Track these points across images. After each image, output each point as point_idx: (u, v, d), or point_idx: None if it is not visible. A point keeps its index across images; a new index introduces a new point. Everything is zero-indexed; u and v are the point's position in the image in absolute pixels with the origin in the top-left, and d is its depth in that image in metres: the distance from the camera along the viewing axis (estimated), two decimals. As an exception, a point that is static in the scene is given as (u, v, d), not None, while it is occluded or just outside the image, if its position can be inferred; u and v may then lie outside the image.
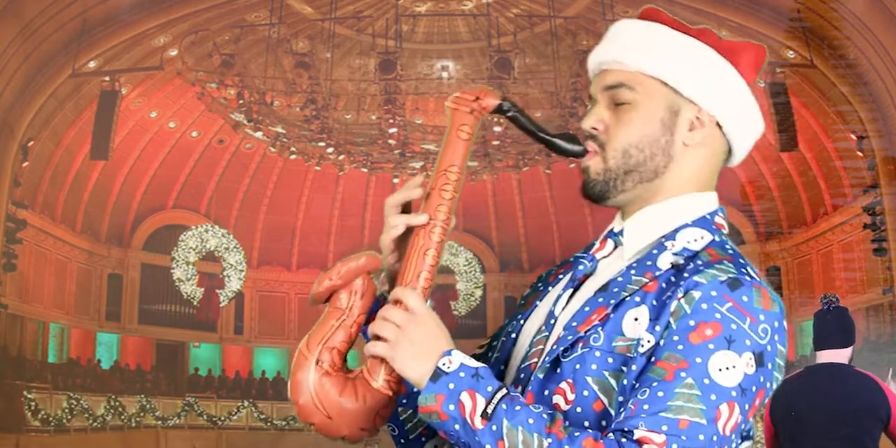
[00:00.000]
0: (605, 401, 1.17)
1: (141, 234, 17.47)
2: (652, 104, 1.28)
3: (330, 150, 16.43)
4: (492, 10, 15.04)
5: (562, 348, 1.21)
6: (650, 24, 1.34)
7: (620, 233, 1.31)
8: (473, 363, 1.17)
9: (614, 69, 1.31)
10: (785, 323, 1.19)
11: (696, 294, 1.16)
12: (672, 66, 1.29)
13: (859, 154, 13.68)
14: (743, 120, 1.33)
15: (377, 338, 1.22)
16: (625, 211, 1.32)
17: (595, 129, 1.31)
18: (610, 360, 1.18)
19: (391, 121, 15.34)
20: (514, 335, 1.34)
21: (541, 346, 1.26)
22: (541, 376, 1.22)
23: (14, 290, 14.39)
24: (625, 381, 1.17)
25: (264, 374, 18.58)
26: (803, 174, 15.58)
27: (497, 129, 15.00)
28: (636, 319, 1.19)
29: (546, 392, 1.21)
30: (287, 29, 15.22)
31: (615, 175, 1.29)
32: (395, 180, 17.52)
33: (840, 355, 3.55)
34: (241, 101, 15.31)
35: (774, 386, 1.21)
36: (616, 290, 1.22)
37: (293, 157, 16.79)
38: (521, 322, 1.34)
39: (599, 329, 1.20)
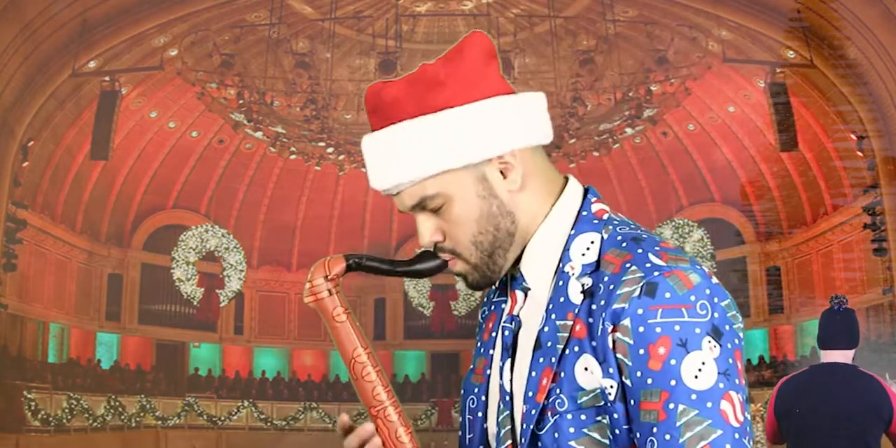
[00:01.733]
0: None
1: (141, 234, 17.48)
2: (460, 191, 1.24)
3: (330, 150, 16.43)
4: (492, 10, 15.04)
5: (532, 425, 1.20)
6: (389, 131, 1.26)
7: (523, 279, 1.28)
8: None
9: (401, 191, 1.27)
10: (712, 279, 1.17)
11: (627, 322, 1.14)
12: (442, 154, 1.23)
13: (859, 154, 13.68)
14: (527, 122, 1.28)
15: None
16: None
17: (436, 242, 1.28)
18: (583, 416, 1.18)
19: (391, 121, 15.33)
20: (480, 414, 1.32)
21: (508, 427, 1.25)
22: None
23: (14, 290, 14.40)
24: (617, 431, 1.16)
25: (264, 374, 18.58)
26: (803, 174, 15.58)
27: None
28: (586, 369, 1.17)
29: None
30: (287, 29, 15.23)
31: (484, 264, 1.27)
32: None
33: (845, 356, 3.58)
34: (241, 101, 15.31)
35: (742, 334, 1.18)
36: (550, 344, 1.20)
37: (293, 157, 16.79)
38: (483, 398, 1.33)
39: (559, 392, 1.18)
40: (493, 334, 1.34)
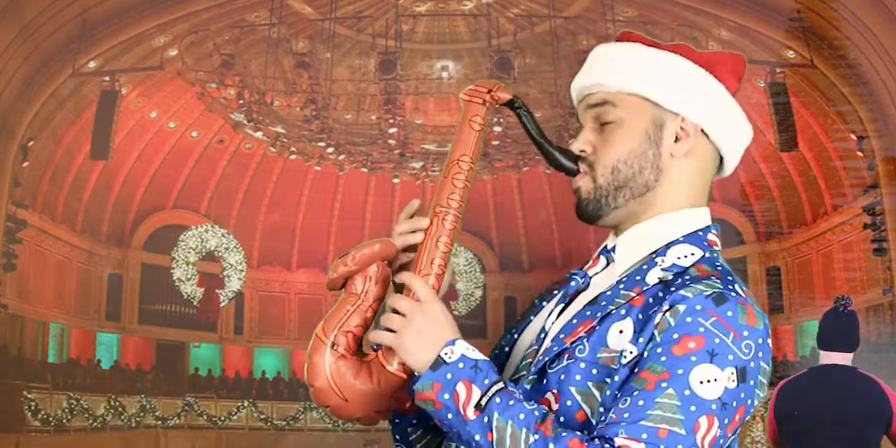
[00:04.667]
0: (588, 411, 1.19)
1: (141, 234, 17.47)
2: (636, 119, 1.30)
3: (330, 150, 16.43)
4: (492, 10, 15.04)
5: (548, 359, 1.23)
6: (625, 45, 1.36)
7: (613, 249, 1.32)
8: (475, 355, 1.19)
9: (596, 92, 1.34)
10: (769, 341, 1.20)
11: (681, 307, 1.17)
12: (650, 80, 1.31)
13: (859, 154, 13.67)
14: (728, 126, 1.36)
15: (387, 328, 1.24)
16: (618, 228, 1.34)
17: (583, 151, 1.33)
18: (594, 371, 1.20)
19: (391, 121, 15.35)
20: (507, 348, 1.36)
21: (530, 360, 1.28)
22: (528, 387, 1.23)
23: (14, 290, 14.39)
24: (608, 392, 1.18)
25: (264, 374, 18.57)
26: (803, 174, 15.57)
27: (497, 129, 14.99)
28: (621, 332, 1.20)
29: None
30: (287, 29, 15.22)
31: (606, 192, 1.30)
32: (395, 180, 17.51)
33: (844, 358, 3.56)
34: (241, 101, 15.32)
35: (756, 403, 1.20)
36: (604, 303, 1.24)
37: (293, 157, 16.79)
38: (516, 336, 1.37)
39: (585, 341, 1.22)
40: (556, 293, 1.39)
